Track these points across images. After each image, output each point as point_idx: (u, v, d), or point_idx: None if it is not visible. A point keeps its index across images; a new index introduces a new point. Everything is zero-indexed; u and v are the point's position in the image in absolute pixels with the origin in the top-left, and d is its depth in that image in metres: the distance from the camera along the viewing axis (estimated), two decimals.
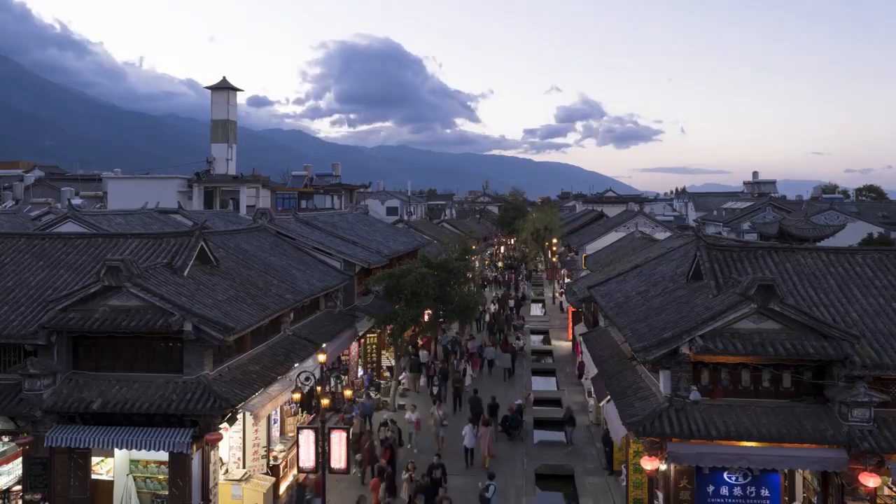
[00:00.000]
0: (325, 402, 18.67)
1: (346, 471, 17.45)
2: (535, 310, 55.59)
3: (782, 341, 15.49)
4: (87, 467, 17.09)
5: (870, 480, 14.56)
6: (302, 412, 23.96)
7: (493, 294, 56.80)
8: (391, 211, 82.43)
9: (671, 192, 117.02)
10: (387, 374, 32.33)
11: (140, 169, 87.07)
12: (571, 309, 37.95)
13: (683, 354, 15.63)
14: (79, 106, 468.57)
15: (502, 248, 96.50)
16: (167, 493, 16.90)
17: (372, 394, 29.05)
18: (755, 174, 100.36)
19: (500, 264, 78.39)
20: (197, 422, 16.49)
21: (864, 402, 14.77)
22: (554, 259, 65.33)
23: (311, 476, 18.08)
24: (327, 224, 36.56)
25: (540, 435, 26.00)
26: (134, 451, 16.82)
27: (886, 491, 15.27)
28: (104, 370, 17.47)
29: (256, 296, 21.29)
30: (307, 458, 16.99)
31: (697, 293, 18.56)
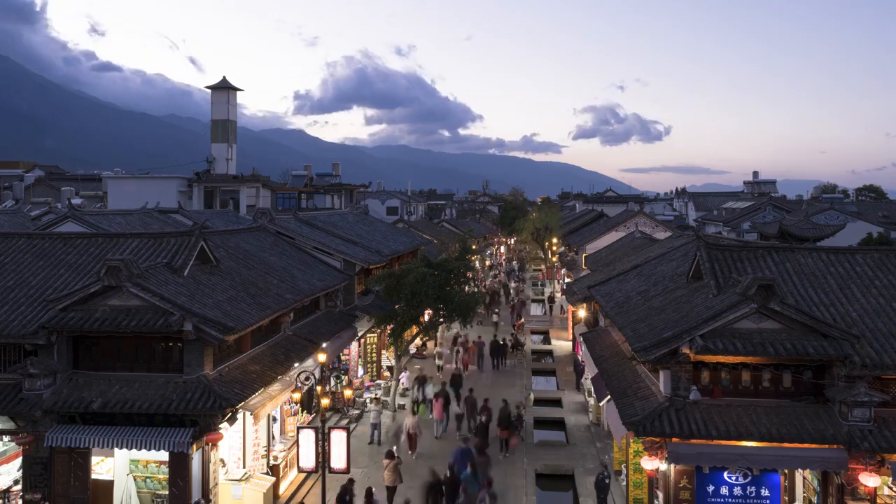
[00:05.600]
0: (325, 402, 18.67)
1: (347, 470, 17.44)
2: (535, 310, 55.62)
3: (782, 341, 15.49)
4: (87, 467, 17.08)
5: (870, 480, 14.58)
6: (302, 412, 23.97)
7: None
8: (391, 211, 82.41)
9: (671, 192, 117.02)
10: (387, 374, 32.34)
11: (140, 169, 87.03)
12: (571, 309, 37.98)
13: (683, 354, 15.63)
14: (79, 106, 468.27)
15: (502, 248, 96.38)
16: (167, 492, 16.91)
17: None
18: (755, 174, 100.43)
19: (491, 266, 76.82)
20: (197, 421, 16.50)
21: (864, 401, 14.77)
22: (554, 259, 65.35)
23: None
24: (327, 224, 36.55)
25: (540, 435, 25.99)
26: (134, 450, 16.80)
27: (886, 491, 15.29)
28: (104, 370, 17.49)
29: (256, 295, 21.29)
30: (307, 458, 16.99)
31: (697, 293, 18.55)
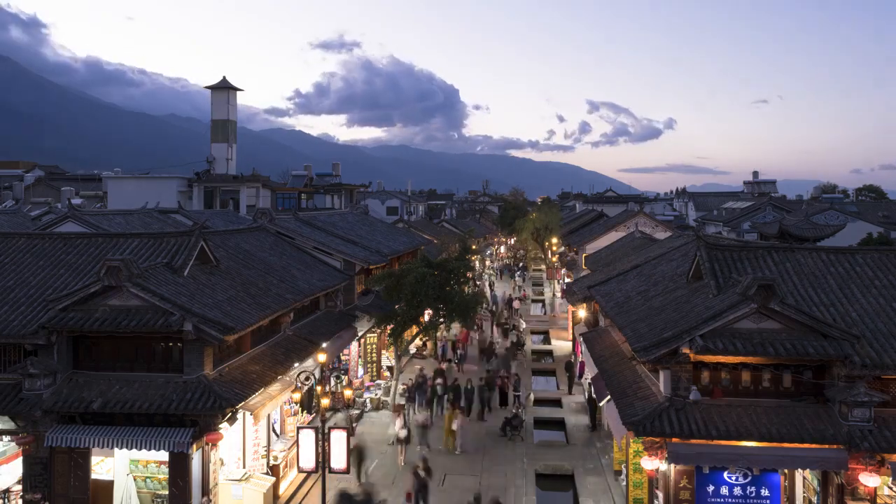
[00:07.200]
0: (325, 402, 18.66)
1: (347, 471, 17.43)
2: (535, 310, 55.64)
3: (782, 341, 15.49)
4: (87, 467, 17.08)
5: (870, 480, 14.58)
6: (302, 412, 23.97)
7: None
8: (391, 211, 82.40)
9: (671, 192, 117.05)
10: (387, 374, 32.33)
11: (140, 169, 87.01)
12: (571, 308, 37.97)
13: (683, 354, 15.63)
14: (79, 106, 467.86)
15: (502, 248, 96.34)
16: (167, 492, 16.91)
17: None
18: (755, 174, 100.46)
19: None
20: (197, 421, 16.50)
21: (864, 401, 14.77)
22: (554, 259, 65.35)
23: None
24: (327, 224, 36.54)
25: (540, 435, 25.98)
26: (134, 450, 16.80)
27: (886, 491, 15.29)
28: (104, 370, 17.48)
29: (256, 295, 21.29)
30: (307, 458, 16.98)
31: (697, 293, 18.55)
